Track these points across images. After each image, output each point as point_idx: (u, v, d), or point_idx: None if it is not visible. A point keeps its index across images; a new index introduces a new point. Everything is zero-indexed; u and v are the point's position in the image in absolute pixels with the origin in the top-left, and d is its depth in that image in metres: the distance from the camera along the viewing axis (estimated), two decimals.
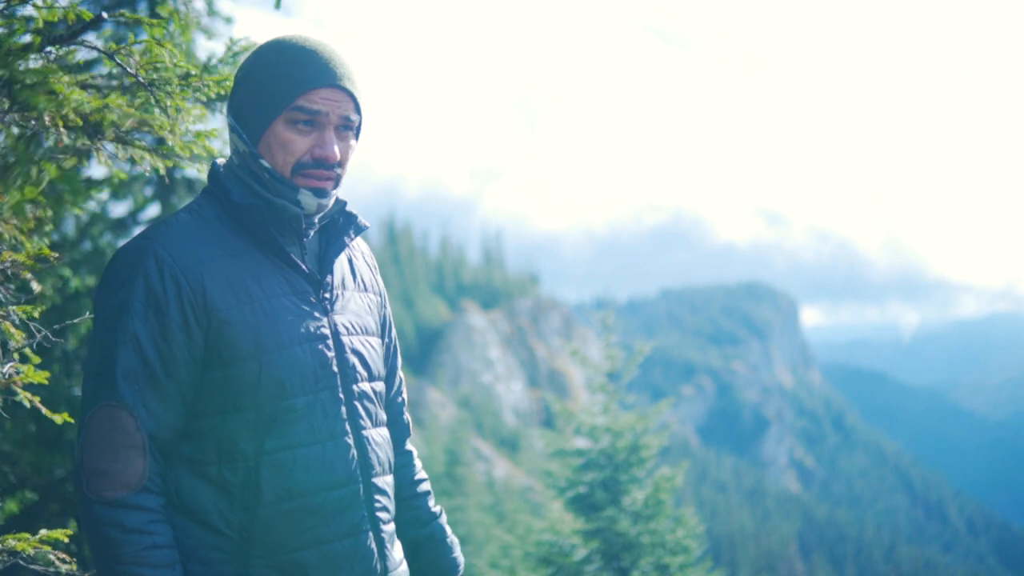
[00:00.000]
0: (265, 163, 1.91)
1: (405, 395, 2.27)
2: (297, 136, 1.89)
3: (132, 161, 2.27)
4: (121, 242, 6.83)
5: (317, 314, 1.94)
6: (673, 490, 8.87)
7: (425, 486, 2.27)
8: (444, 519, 2.28)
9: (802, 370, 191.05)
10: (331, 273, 2.00)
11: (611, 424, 9.04)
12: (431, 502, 2.26)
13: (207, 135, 2.41)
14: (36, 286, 2.50)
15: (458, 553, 2.26)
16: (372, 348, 2.04)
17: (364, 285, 2.11)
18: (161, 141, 2.33)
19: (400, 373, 2.25)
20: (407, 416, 2.27)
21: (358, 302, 2.06)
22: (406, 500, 2.22)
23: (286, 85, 1.88)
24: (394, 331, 2.23)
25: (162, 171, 2.37)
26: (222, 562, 1.85)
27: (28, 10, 2.21)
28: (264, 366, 1.84)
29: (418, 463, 2.30)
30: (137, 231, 6.94)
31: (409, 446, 2.28)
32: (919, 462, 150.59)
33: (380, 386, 2.06)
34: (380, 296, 2.17)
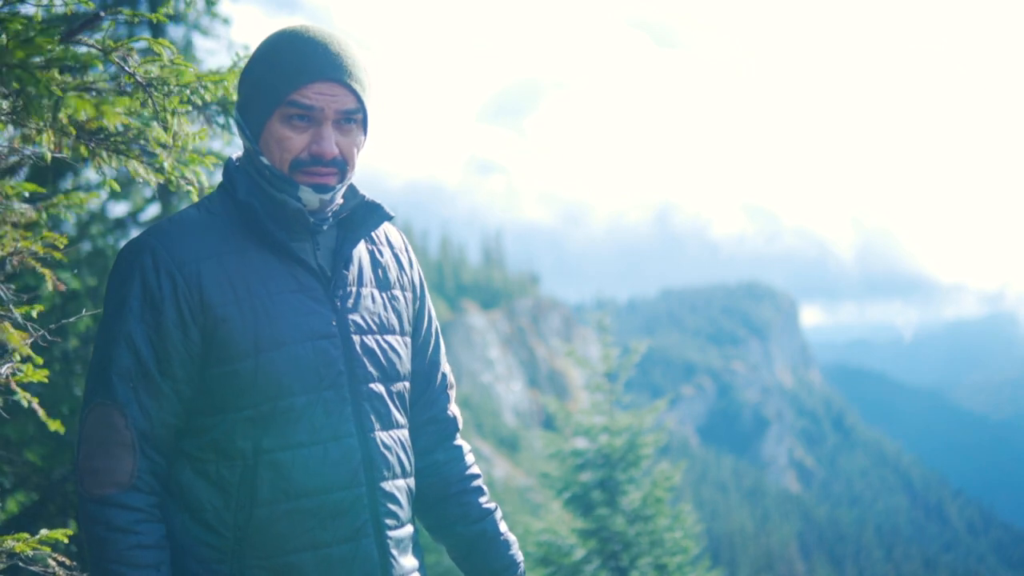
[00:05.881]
0: (265, 160, 1.89)
1: (453, 392, 2.18)
2: (293, 133, 1.85)
3: (127, 171, 2.26)
4: (121, 242, 6.83)
5: (324, 311, 1.89)
6: (671, 489, 8.88)
7: (477, 482, 2.15)
8: (499, 515, 2.15)
9: (802, 370, 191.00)
10: (346, 269, 1.94)
11: (608, 424, 9.05)
12: (483, 499, 2.14)
13: (204, 158, 2.39)
14: (46, 273, 2.48)
15: (516, 551, 2.13)
16: (389, 346, 1.97)
17: (388, 280, 2.03)
18: (155, 155, 2.32)
19: (445, 367, 2.16)
20: (453, 410, 2.16)
21: (377, 298, 1.99)
22: (454, 496, 2.12)
23: (280, 80, 1.84)
24: (435, 324, 2.15)
25: (155, 183, 2.34)
26: (217, 561, 1.83)
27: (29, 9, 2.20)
28: (261, 364, 1.82)
29: (469, 457, 2.17)
30: (136, 232, 6.96)
31: (459, 441, 2.16)
32: (919, 462, 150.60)
33: (399, 386, 1.99)
34: (411, 290, 2.09)
